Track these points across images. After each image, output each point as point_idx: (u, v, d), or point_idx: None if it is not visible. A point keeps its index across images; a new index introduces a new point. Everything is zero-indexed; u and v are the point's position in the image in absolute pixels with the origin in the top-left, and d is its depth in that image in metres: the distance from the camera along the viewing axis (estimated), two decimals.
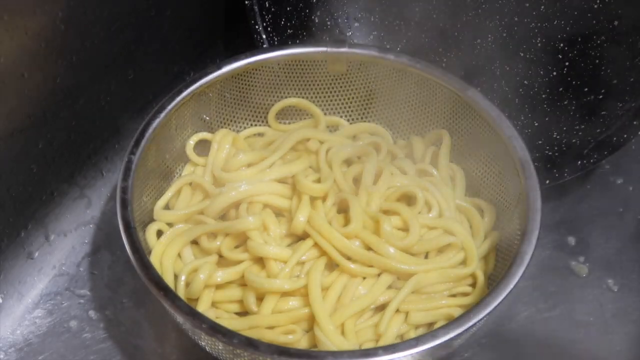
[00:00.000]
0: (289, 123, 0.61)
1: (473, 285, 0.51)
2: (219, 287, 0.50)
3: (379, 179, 0.53)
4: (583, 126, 0.60)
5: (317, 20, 0.66)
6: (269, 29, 0.62)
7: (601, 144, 0.57)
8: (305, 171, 0.55)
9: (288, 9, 0.64)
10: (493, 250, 0.52)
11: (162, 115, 0.52)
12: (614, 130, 0.57)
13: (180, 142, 0.57)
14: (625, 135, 0.56)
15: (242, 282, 0.50)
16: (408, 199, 0.54)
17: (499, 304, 0.44)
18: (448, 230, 0.52)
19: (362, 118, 0.61)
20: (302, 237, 0.51)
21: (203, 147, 0.57)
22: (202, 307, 0.49)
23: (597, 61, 0.62)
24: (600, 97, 0.60)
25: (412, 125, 0.60)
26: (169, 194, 0.55)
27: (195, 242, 0.52)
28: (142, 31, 0.59)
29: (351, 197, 0.51)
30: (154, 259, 0.50)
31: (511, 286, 0.45)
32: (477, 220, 0.53)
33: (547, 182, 0.57)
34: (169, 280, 0.50)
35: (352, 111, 0.61)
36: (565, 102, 0.62)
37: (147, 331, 0.55)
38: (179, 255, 0.52)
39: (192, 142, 0.57)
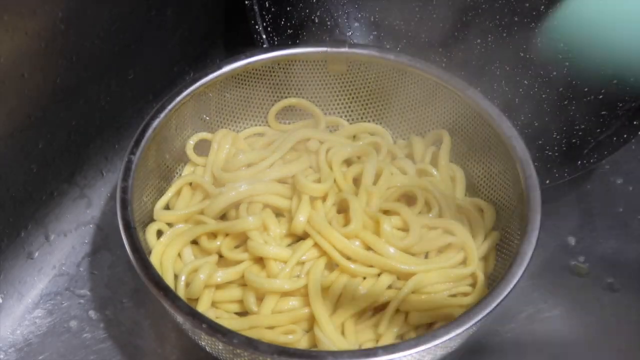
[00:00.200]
0: (289, 123, 0.61)
1: (473, 285, 0.51)
2: (219, 287, 0.50)
3: (379, 179, 0.53)
4: (583, 126, 0.60)
5: (317, 20, 0.66)
6: (269, 29, 0.62)
7: (601, 144, 0.57)
8: (305, 171, 0.55)
9: (288, 9, 0.64)
10: (493, 250, 0.52)
11: (162, 115, 0.52)
12: (614, 130, 0.57)
13: (180, 142, 0.57)
14: (625, 135, 0.56)
15: (242, 282, 0.50)
16: (408, 199, 0.54)
17: (499, 304, 0.44)
18: (448, 230, 0.52)
19: (362, 118, 0.61)
20: (302, 237, 0.51)
21: (203, 147, 0.57)
22: (202, 307, 0.49)
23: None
24: (600, 97, 0.60)
25: (412, 125, 0.60)
26: (169, 194, 0.55)
27: (195, 242, 0.52)
28: (142, 31, 0.59)
29: (351, 197, 0.51)
30: (154, 259, 0.50)
31: (511, 286, 0.45)
32: (477, 220, 0.53)
33: (547, 182, 0.56)
34: (169, 280, 0.50)
35: (352, 111, 0.61)
36: (565, 102, 0.62)
37: (147, 331, 0.55)
38: (179, 255, 0.52)
39: (192, 142, 0.57)
